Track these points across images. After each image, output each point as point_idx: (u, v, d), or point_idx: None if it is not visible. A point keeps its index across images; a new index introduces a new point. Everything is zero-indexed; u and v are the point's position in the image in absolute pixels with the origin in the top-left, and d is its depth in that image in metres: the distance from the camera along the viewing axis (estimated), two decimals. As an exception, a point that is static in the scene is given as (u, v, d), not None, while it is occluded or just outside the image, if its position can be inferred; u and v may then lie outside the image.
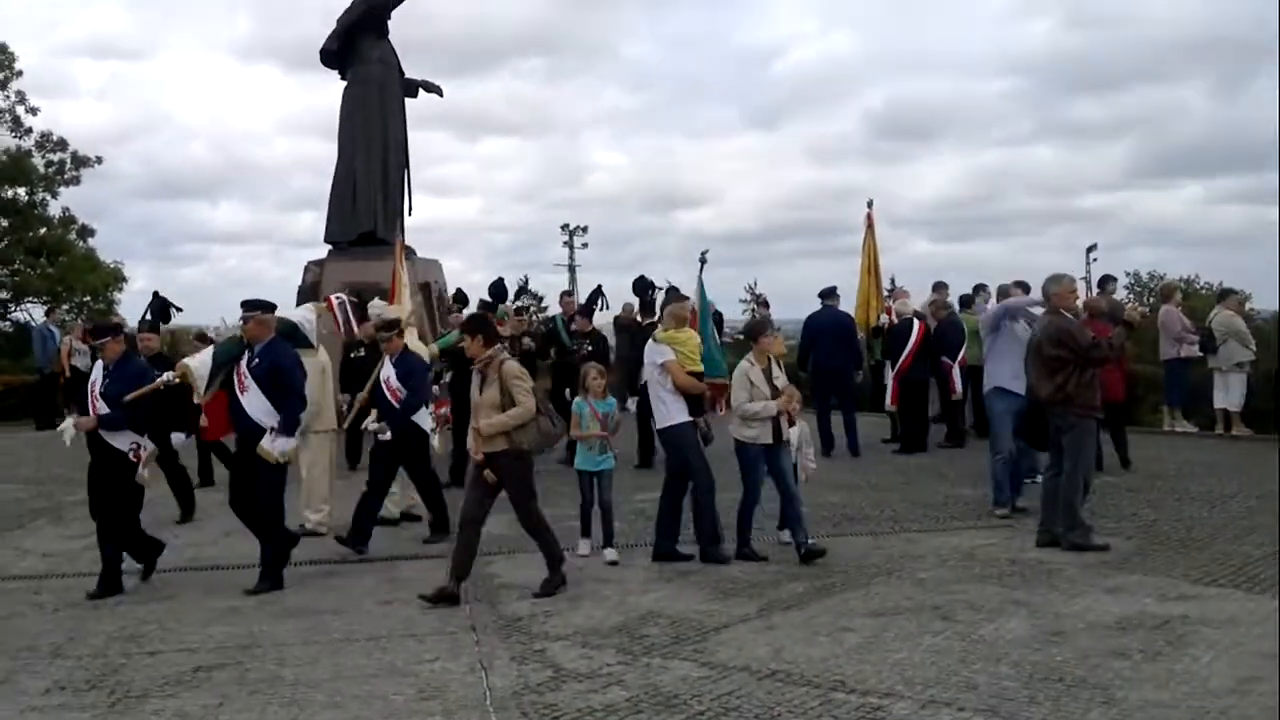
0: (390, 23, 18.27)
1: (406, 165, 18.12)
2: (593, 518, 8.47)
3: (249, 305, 7.94)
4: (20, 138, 34.17)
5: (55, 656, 6.12)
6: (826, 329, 13.59)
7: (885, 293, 14.98)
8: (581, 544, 8.41)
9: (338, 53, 18.07)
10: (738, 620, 6.52)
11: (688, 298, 8.84)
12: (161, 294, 14.65)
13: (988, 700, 5.09)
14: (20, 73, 34.27)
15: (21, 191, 34.06)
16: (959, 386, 13.22)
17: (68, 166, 34.71)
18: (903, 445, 13.57)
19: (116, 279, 34.79)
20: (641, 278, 14.47)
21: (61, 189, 34.64)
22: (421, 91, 18.46)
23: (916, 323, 13.39)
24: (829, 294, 13.78)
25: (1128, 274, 31.17)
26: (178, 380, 7.96)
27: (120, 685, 5.62)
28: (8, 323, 33.91)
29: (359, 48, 17.90)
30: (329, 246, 18.24)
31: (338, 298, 10.53)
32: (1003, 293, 11.17)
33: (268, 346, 7.80)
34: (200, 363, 7.98)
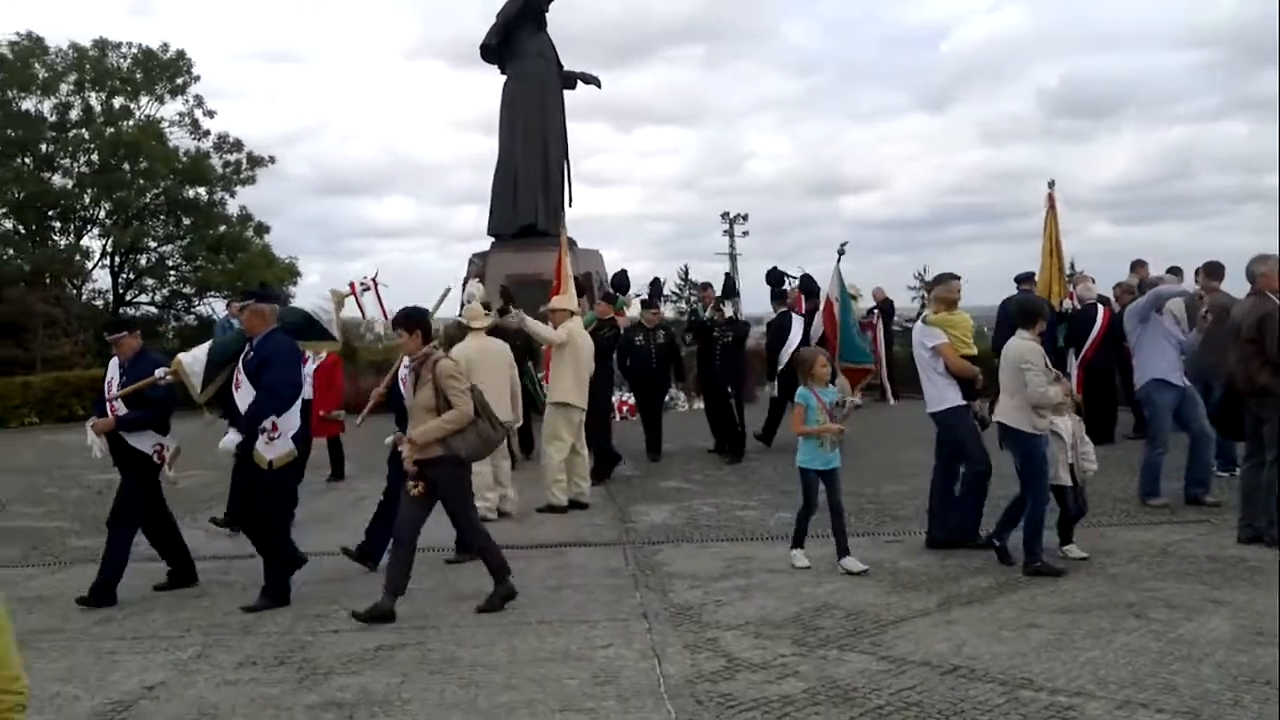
0: (548, 15, 18.47)
1: (566, 157, 18.29)
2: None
3: (245, 295, 7.44)
4: (199, 140, 35.90)
5: (246, 633, 6.33)
6: None
7: (1066, 277, 14.39)
8: (798, 555, 7.59)
9: (497, 48, 18.35)
10: (917, 614, 6.33)
11: (957, 277, 8.46)
12: (269, 286, 15.07)
13: (1188, 702, 4.81)
14: (198, 78, 36.06)
15: (202, 191, 35.82)
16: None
17: (244, 167, 36.38)
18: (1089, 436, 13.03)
19: (291, 273, 36.29)
20: (774, 269, 14.72)
21: (238, 188, 36.39)
22: (580, 83, 18.62)
23: (1101, 308, 12.83)
24: (1026, 278, 13.33)
25: (1331, 255, 29.29)
26: (169, 377, 7.38)
27: (307, 662, 5.77)
28: (192, 316, 35.66)
29: (518, 42, 18.14)
30: (492, 239, 18.55)
31: (361, 282, 9.84)
32: (1133, 287, 10.47)
33: (264, 339, 7.15)
34: (194, 359, 7.44)
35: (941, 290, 8.22)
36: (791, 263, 15.18)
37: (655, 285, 14.52)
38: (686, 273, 40.74)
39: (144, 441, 7.36)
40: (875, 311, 18.67)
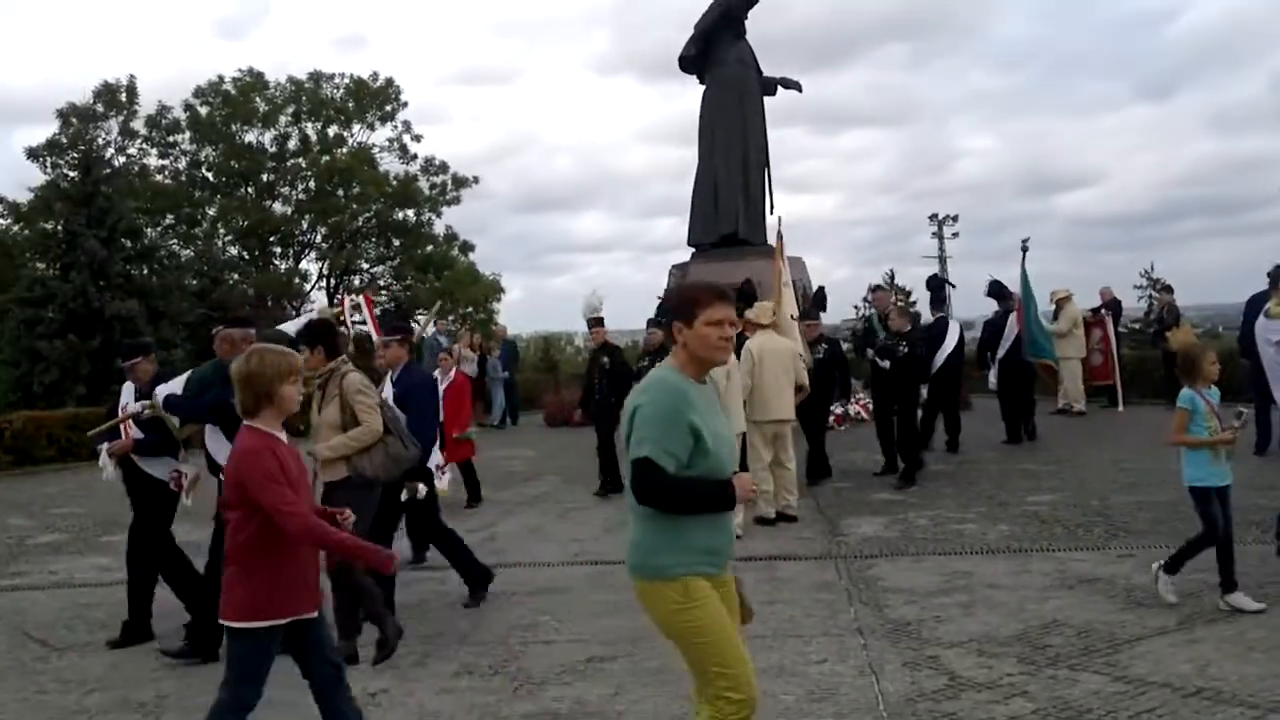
0: (746, 22, 18.37)
1: (767, 164, 18.13)
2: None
3: (219, 322, 6.99)
4: (407, 164, 37.38)
5: (462, 643, 6.43)
6: None
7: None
8: (1165, 586, 6.48)
9: (696, 58, 18.35)
10: (1154, 632, 5.94)
11: None
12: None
13: None
14: (406, 104, 37.55)
15: (410, 213, 37.24)
16: None
17: (449, 188, 37.65)
18: None
19: (495, 290, 37.37)
20: (934, 275, 15.44)
21: (444, 209, 37.68)
22: (780, 88, 18.44)
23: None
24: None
25: None
26: (148, 412, 6.86)
27: (521, 672, 5.81)
28: (402, 334, 37.04)
29: (717, 50, 18.10)
30: (692, 249, 18.54)
31: (353, 300, 9.27)
32: None
33: None
34: (171, 391, 6.84)
35: None
36: (1005, 265, 15.61)
37: (819, 295, 14.03)
38: (893, 277, 39.80)
39: (159, 468, 6.95)
40: (1103, 311, 17.86)
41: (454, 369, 11.43)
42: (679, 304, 3.70)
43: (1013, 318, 14.40)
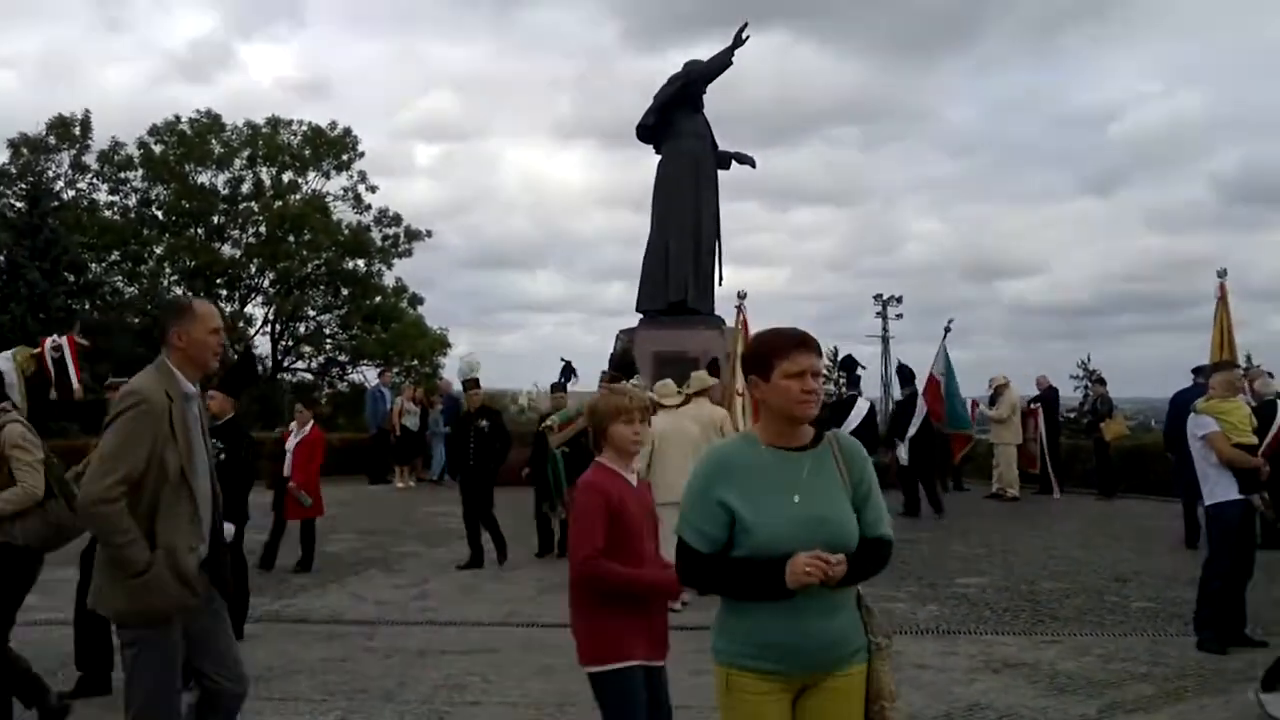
0: (705, 96, 18.67)
1: (718, 236, 18.34)
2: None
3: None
4: (361, 214, 37.33)
5: (387, 700, 6.34)
6: None
7: (1241, 371, 13.80)
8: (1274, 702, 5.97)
9: (653, 128, 18.60)
10: (1075, 719, 6.00)
11: (1238, 366, 8.15)
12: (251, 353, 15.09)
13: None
14: (363, 154, 37.56)
15: (361, 263, 37.11)
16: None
17: (401, 240, 37.61)
18: (1263, 539, 12.32)
19: (441, 344, 37.26)
20: (849, 356, 16.18)
21: (395, 260, 37.57)
22: (734, 163, 18.73)
23: (1280, 404, 12.17)
24: (1202, 371, 12.84)
25: None
26: None
27: (446, 734, 5.75)
28: (345, 384, 36.82)
29: (674, 122, 18.33)
30: (640, 315, 18.65)
31: (53, 341, 8.28)
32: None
33: None
34: None
35: (1227, 375, 7.84)
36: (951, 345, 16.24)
37: (713, 365, 14.00)
38: (835, 354, 40.29)
39: None
40: (1034, 403, 18.28)
41: (310, 423, 11.26)
42: (753, 357, 3.28)
43: (921, 399, 15.27)
